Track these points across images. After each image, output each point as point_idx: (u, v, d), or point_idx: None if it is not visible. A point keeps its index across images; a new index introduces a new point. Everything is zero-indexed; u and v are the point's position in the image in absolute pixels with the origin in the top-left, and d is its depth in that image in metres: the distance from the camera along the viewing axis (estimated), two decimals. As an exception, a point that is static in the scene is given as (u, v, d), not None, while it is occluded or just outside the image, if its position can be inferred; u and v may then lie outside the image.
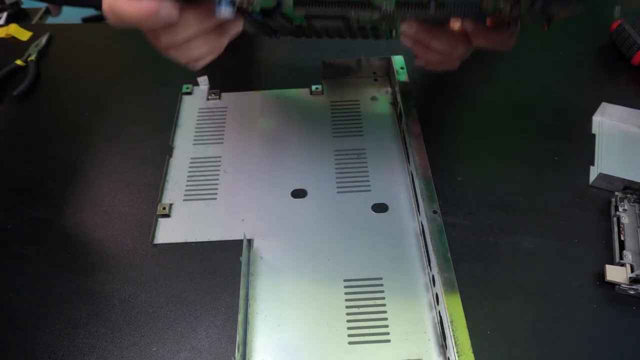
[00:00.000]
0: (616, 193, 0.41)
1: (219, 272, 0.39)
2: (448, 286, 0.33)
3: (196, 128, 0.49)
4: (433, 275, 0.36)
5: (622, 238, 0.38)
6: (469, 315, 0.32)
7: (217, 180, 0.45)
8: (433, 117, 0.49)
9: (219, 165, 0.46)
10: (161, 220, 0.42)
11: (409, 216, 0.41)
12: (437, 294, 0.35)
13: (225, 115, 0.50)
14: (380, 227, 0.41)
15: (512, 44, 0.31)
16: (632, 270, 0.36)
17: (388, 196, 0.43)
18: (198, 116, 0.51)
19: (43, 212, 0.43)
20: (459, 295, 0.33)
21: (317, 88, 0.52)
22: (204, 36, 0.31)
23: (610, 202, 0.41)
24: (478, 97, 0.51)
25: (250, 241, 0.40)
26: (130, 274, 0.39)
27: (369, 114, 0.50)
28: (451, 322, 0.32)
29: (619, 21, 0.54)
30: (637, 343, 0.34)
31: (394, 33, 0.35)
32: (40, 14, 0.69)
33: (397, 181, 0.44)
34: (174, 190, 0.44)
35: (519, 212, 0.42)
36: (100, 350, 0.35)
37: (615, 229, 0.39)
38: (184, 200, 0.44)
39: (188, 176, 0.45)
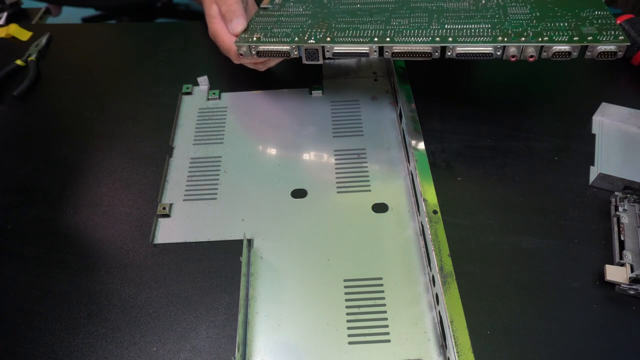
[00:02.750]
0: (616, 193, 0.41)
1: (219, 272, 0.39)
2: (448, 286, 0.33)
3: (196, 128, 0.49)
4: (433, 275, 0.36)
5: (622, 238, 0.38)
6: (469, 315, 0.32)
7: (217, 180, 0.45)
8: (433, 117, 0.49)
9: (219, 165, 0.46)
10: (161, 220, 0.42)
11: (409, 216, 0.41)
12: (437, 294, 0.35)
13: (225, 115, 0.50)
14: (380, 227, 0.41)
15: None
16: (632, 270, 0.36)
17: (388, 196, 0.43)
18: (198, 116, 0.51)
19: (43, 212, 0.43)
20: (459, 295, 0.33)
21: (317, 88, 0.52)
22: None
23: (610, 202, 0.41)
24: (478, 97, 0.51)
25: (250, 241, 0.40)
26: (130, 274, 0.39)
27: (369, 114, 0.50)
28: (451, 322, 0.32)
29: (619, 21, 0.54)
30: (637, 343, 0.34)
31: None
32: (40, 14, 0.69)
33: (397, 181, 0.44)
34: (174, 190, 0.44)
35: (519, 212, 0.42)
36: (100, 350, 0.35)
37: (615, 229, 0.39)
38: (184, 200, 0.44)
39: (188, 176, 0.45)
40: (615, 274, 0.37)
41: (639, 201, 0.40)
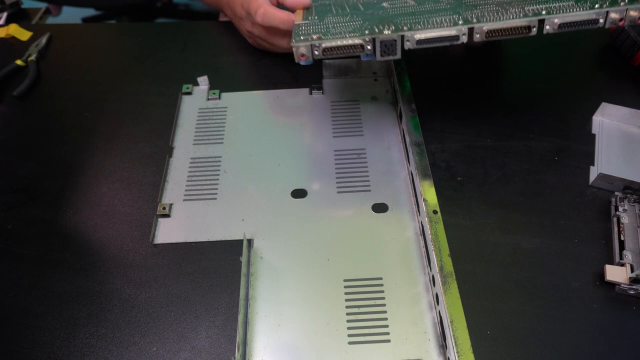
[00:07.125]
0: (616, 193, 0.41)
1: (219, 272, 0.39)
2: (448, 286, 0.33)
3: (196, 128, 0.49)
4: (433, 275, 0.36)
5: (622, 238, 0.38)
6: (469, 315, 0.32)
7: (217, 180, 0.45)
8: (433, 117, 0.49)
9: (219, 165, 0.46)
10: (161, 220, 0.42)
11: (409, 216, 0.41)
12: (437, 294, 0.35)
13: (225, 115, 0.50)
14: (380, 227, 0.41)
15: None
16: (632, 270, 0.36)
17: (388, 196, 0.43)
18: (198, 116, 0.51)
19: (43, 212, 0.43)
20: (459, 295, 0.33)
21: (317, 88, 0.52)
22: None
23: (610, 202, 0.41)
24: (478, 97, 0.51)
25: (250, 241, 0.40)
26: (130, 274, 0.39)
27: (369, 114, 0.50)
28: (451, 322, 0.32)
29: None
30: (637, 343, 0.34)
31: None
32: (40, 14, 0.69)
33: (397, 181, 0.44)
34: (174, 190, 0.44)
35: (519, 212, 0.42)
36: (100, 350, 0.35)
37: (615, 229, 0.39)
38: (184, 200, 0.44)
39: (188, 176, 0.45)
40: (615, 274, 0.37)
41: (639, 201, 0.40)
